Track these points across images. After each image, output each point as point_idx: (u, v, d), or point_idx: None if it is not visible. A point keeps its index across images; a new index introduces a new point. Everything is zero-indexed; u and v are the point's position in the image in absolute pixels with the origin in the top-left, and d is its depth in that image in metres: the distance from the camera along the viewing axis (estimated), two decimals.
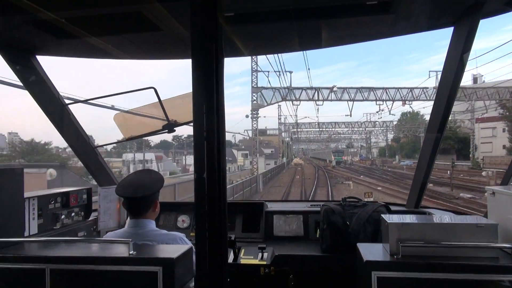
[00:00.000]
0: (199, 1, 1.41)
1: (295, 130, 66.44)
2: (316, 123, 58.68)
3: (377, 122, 61.62)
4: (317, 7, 2.43)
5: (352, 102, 32.46)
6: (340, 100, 31.56)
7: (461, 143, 55.21)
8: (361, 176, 37.21)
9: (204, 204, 1.36)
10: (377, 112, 39.67)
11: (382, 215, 2.19)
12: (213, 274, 1.39)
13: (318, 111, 67.68)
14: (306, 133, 73.51)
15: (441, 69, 2.87)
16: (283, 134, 69.19)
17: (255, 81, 30.23)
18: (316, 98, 31.32)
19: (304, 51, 16.34)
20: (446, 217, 2.27)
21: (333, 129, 65.50)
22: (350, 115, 36.45)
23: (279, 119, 52.57)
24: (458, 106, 41.78)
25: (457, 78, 2.71)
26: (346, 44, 3.42)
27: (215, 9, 1.39)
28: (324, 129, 65.43)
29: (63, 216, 2.87)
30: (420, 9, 2.51)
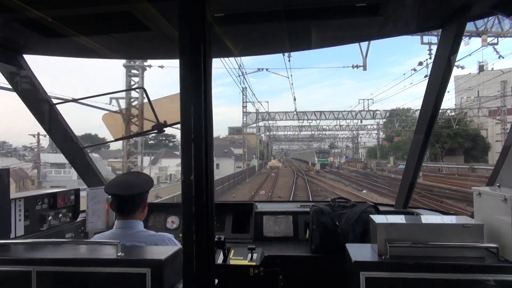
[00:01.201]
0: (187, 1, 1.40)
1: (267, 122, 52.16)
2: (294, 113, 46.75)
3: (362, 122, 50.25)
4: (307, 8, 2.44)
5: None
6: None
7: (471, 142, 46.33)
8: (364, 191, 25.73)
9: (191, 205, 1.36)
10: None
11: (371, 216, 2.21)
12: (200, 276, 1.38)
13: (295, 99, 52.01)
14: (283, 129, 61.02)
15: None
16: (262, 133, 64.78)
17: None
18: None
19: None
20: (433, 218, 2.30)
21: (316, 120, 49.29)
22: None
23: (244, 106, 42.59)
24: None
25: (444, 79, 2.75)
26: (336, 45, 3.45)
27: (204, 9, 1.39)
28: (303, 121, 48.72)
29: (50, 217, 2.83)
30: (408, 11, 2.54)
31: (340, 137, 79.40)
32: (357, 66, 23.57)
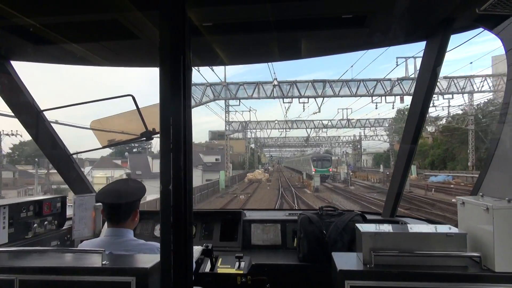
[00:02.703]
0: (168, 12, 1.41)
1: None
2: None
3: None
4: (296, 19, 2.48)
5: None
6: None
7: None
8: None
9: (169, 215, 1.36)
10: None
11: (357, 225, 2.23)
12: (179, 285, 1.38)
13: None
14: (269, 133, 52.91)
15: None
16: (249, 137, 57.29)
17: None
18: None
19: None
20: (418, 227, 2.32)
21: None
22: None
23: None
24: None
25: (429, 90, 2.80)
26: (325, 55, 3.51)
27: (185, 19, 1.40)
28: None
29: (35, 225, 2.80)
30: (393, 23, 2.60)
31: (340, 141, 66.47)
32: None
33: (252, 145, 70.33)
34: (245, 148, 57.13)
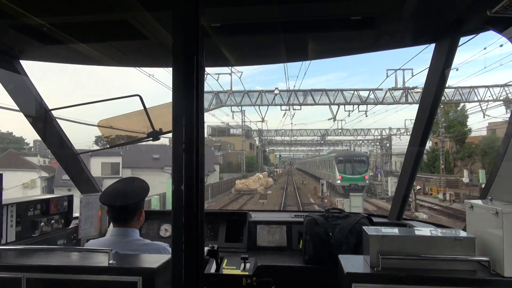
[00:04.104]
0: (181, 13, 1.42)
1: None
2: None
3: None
4: (303, 20, 2.47)
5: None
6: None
7: None
8: None
9: (181, 215, 1.36)
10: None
11: (364, 227, 2.21)
12: (189, 286, 1.38)
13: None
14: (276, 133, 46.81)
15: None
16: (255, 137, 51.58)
17: None
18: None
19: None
20: (425, 230, 2.31)
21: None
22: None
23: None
24: None
25: (438, 93, 2.78)
26: (332, 57, 3.50)
27: (198, 20, 1.40)
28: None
29: (42, 224, 2.81)
30: (402, 26, 2.58)
31: (364, 137, 52.55)
32: None
33: (252, 140, 60.20)
34: (243, 146, 47.75)
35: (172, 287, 1.42)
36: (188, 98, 1.38)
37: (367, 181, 29.58)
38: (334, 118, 26.85)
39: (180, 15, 1.42)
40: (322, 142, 54.66)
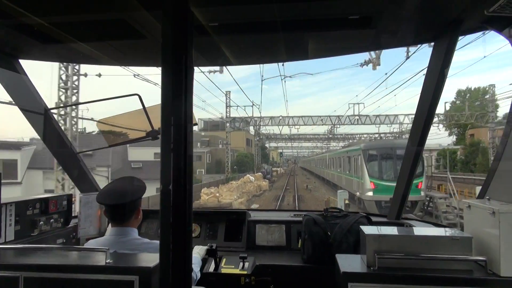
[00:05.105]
0: (171, 11, 1.41)
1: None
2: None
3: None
4: (302, 19, 2.47)
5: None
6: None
7: None
8: None
9: (169, 216, 1.36)
10: None
11: (361, 227, 2.22)
12: (177, 286, 1.38)
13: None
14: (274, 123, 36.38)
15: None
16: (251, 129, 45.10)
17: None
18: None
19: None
20: (423, 229, 2.31)
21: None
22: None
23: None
24: None
25: (437, 92, 2.78)
26: (332, 56, 3.48)
27: (187, 19, 1.40)
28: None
29: (41, 223, 2.82)
30: (400, 25, 2.58)
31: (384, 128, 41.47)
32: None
33: (250, 135, 52.84)
34: (229, 138, 37.25)
35: (160, 287, 1.43)
36: (177, 97, 1.38)
37: (422, 193, 17.64)
38: None
39: (170, 13, 1.42)
40: (330, 136, 45.03)
